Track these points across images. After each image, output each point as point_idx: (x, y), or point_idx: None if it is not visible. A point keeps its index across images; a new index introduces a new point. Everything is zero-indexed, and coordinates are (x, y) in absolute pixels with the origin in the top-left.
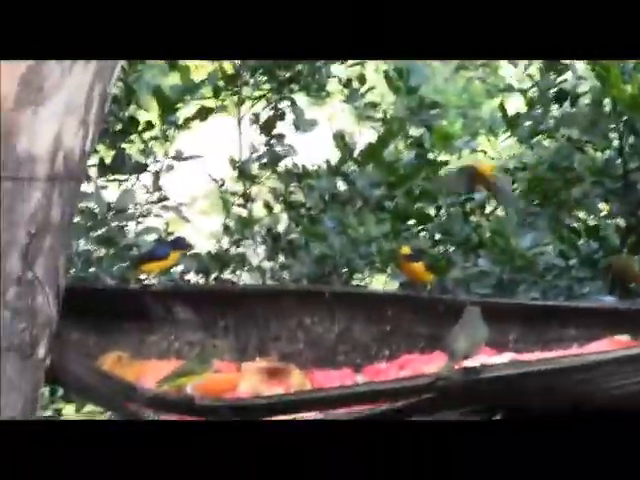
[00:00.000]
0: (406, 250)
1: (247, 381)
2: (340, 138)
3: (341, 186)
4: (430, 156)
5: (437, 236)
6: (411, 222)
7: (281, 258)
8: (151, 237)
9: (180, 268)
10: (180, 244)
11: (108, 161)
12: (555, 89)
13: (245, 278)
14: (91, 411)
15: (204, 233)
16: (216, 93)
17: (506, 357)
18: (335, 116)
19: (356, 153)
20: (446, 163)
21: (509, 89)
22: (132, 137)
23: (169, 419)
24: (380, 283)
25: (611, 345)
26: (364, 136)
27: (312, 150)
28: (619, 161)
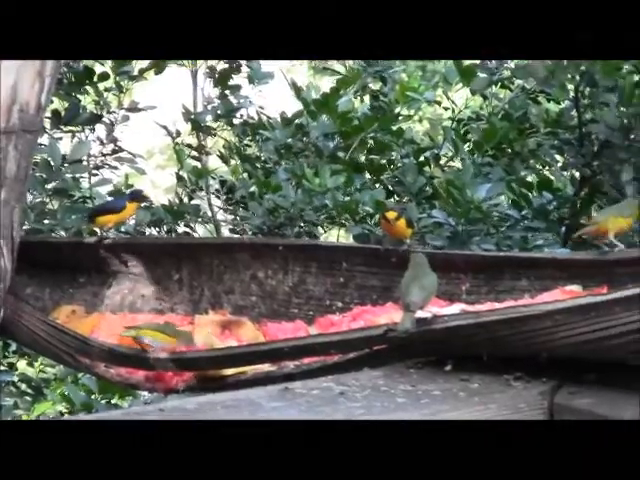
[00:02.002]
0: (392, 214)
1: (200, 334)
2: (295, 90)
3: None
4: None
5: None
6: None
7: (236, 210)
8: (105, 189)
9: (134, 221)
10: (136, 196)
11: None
12: None
13: (200, 230)
14: (45, 364)
15: (160, 186)
16: None
17: (457, 308)
18: (292, 69)
19: (311, 105)
20: (400, 115)
21: None
22: (87, 88)
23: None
24: (334, 235)
25: (562, 295)
26: (319, 88)
27: (267, 102)
28: (574, 112)
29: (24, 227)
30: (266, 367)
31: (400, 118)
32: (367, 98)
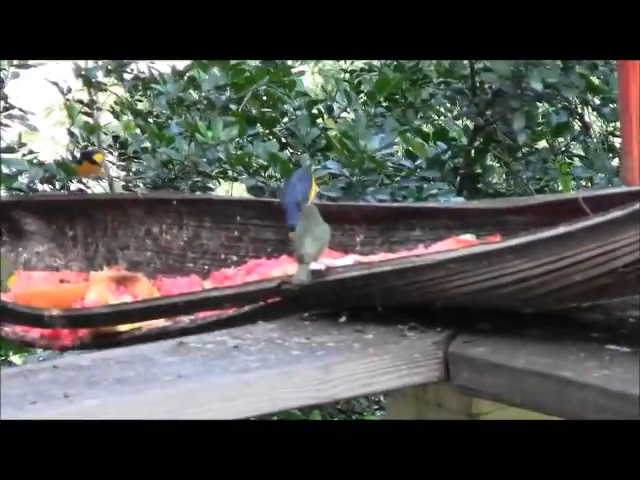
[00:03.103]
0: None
1: (94, 290)
2: None
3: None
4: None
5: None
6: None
7: (129, 166)
8: None
9: (26, 178)
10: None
11: None
12: None
13: (92, 186)
14: None
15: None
16: None
17: (351, 259)
18: None
19: None
20: (291, 67)
21: None
22: None
23: None
24: (226, 189)
25: (455, 245)
26: None
27: None
28: (466, 61)
29: None
30: (161, 322)
31: (292, 70)
32: None
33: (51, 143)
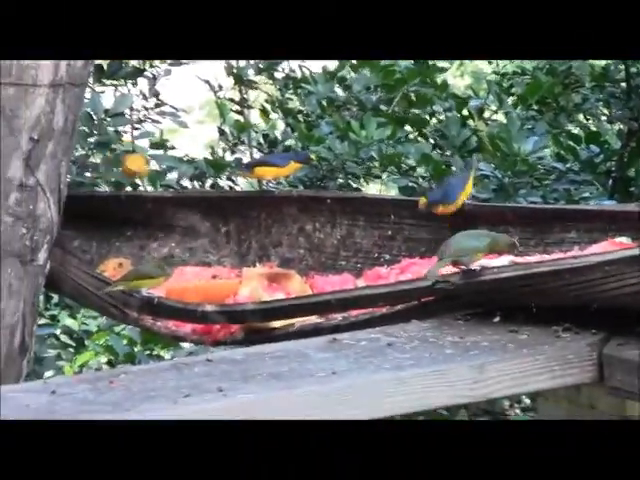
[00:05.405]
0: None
1: (247, 287)
2: None
3: (338, 92)
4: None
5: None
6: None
7: None
8: (147, 142)
9: (175, 175)
10: (302, 157)
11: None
12: None
13: (241, 184)
14: (87, 316)
15: (200, 141)
16: None
17: (506, 260)
18: None
19: None
20: (443, 69)
21: None
22: None
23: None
24: (376, 189)
25: (611, 247)
26: None
27: None
28: (621, 65)
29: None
30: (314, 319)
31: (443, 71)
32: None
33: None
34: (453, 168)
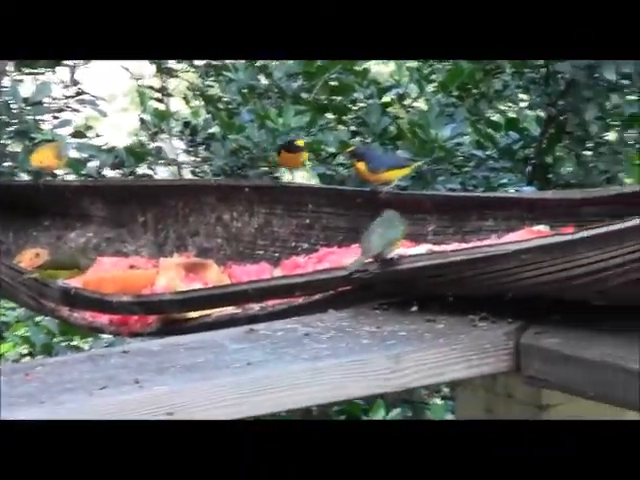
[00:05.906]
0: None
1: (164, 277)
2: None
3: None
4: None
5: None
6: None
7: (198, 152)
8: (66, 131)
9: (95, 163)
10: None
11: None
12: None
13: (161, 172)
14: (6, 307)
15: (123, 130)
16: None
17: (423, 248)
18: None
19: None
20: None
21: None
22: None
23: None
24: (301, 177)
25: (528, 235)
26: None
27: None
28: None
29: None
30: (231, 309)
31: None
32: None
33: (114, 129)
34: None
